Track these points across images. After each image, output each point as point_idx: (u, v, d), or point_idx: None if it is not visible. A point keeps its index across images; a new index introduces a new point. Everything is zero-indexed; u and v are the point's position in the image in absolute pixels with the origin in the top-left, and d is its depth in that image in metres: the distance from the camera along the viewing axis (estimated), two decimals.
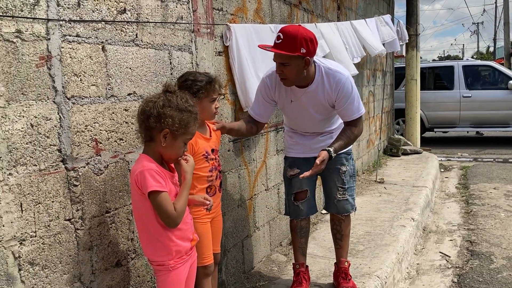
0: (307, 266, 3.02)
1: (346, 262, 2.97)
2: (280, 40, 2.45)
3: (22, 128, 1.65)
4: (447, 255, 3.91)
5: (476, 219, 4.83)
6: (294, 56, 2.45)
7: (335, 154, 2.53)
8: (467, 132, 11.38)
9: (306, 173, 2.45)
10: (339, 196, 2.89)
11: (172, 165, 1.96)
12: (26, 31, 1.66)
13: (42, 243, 1.72)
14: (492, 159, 8.68)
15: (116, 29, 2.04)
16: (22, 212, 1.65)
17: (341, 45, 4.57)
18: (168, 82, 1.96)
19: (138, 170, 1.77)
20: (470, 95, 10.23)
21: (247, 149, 3.21)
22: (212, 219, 2.36)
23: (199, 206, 2.13)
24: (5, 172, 1.60)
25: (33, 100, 1.68)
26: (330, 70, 2.62)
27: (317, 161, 2.43)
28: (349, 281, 2.90)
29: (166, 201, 1.76)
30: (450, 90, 10.47)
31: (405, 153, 8.18)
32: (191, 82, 2.22)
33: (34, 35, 1.68)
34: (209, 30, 2.72)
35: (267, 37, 3.24)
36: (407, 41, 8.02)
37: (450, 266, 3.69)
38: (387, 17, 6.66)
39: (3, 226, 1.59)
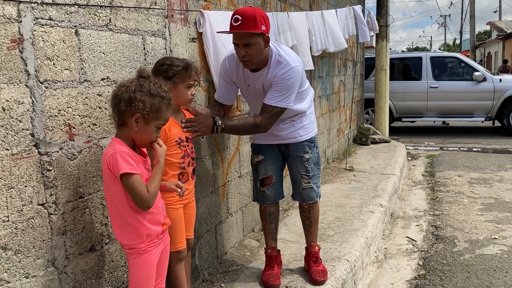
0: (278, 251, 3.08)
1: (316, 247, 3.05)
2: (239, 22, 2.48)
3: None
4: (414, 240, 4.04)
5: (441, 205, 5.00)
6: (257, 34, 2.49)
7: (219, 128, 2.51)
8: (434, 122, 11.70)
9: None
10: (304, 184, 2.93)
11: (145, 150, 1.97)
12: None
13: (15, 228, 1.70)
14: (457, 148, 8.96)
15: (90, 13, 2.02)
16: None
17: (306, 38, 4.61)
18: (142, 67, 1.97)
19: (110, 153, 1.78)
20: (437, 86, 10.50)
21: (220, 136, 3.23)
22: (185, 205, 2.38)
23: (171, 192, 2.15)
24: None
25: (4, 83, 1.66)
26: (279, 56, 2.64)
27: (195, 120, 2.42)
28: (320, 265, 2.98)
29: (138, 183, 1.78)
30: (418, 81, 10.72)
31: (374, 142, 8.36)
32: (167, 67, 2.23)
33: (5, 17, 1.65)
34: (182, 16, 2.72)
35: None
36: (378, 32, 8.14)
37: (416, 250, 3.83)
38: (358, 7, 6.74)
39: None
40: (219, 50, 3.00)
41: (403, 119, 11.06)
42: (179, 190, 2.05)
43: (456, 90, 10.40)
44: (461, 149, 8.86)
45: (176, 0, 2.65)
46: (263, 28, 2.51)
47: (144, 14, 2.38)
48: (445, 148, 9.00)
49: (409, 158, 7.96)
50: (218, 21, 2.99)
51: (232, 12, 3.24)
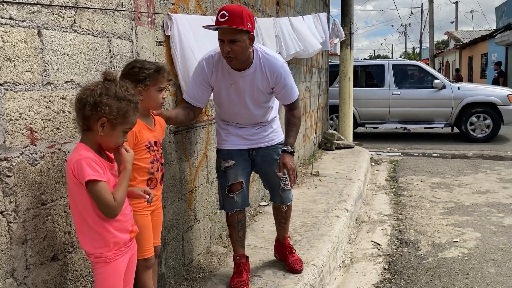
0: (247, 257, 3.06)
1: (289, 238, 3.22)
2: (226, 18, 2.49)
3: None
4: (379, 244, 4.10)
5: (404, 210, 5.10)
6: (243, 31, 2.52)
7: (293, 148, 2.83)
8: (396, 128, 11.96)
9: (293, 181, 2.82)
10: (284, 187, 2.99)
11: (111, 155, 1.91)
12: None
13: None
14: (418, 154, 9.19)
15: (53, 14, 1.95)
16: None
17: (274, 44, 4.63)
18: (107, 70, 1.91)
19: (74, 159, 1.72)
20: (399, 92, 10.75)
21: (188, 141, 3.18)
22: (153, 211, 2.32)
23: (138, 199, 2.09)
24: None
25: None
26: (267, 55, 2.73)
27: (287, 169, 2.77)
28: (294, 255, 3.15)
29: (104, 191, 1.72)
30: (380, 88, 10.94)
31: (339, 147, 8.47)
32: (139, 70, 2.19)
33: None
34: (150, 19, 2.67)
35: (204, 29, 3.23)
36: (343, 39, 8.27)
37: (381, 254, 3.88)
38: (323, 15, 6.83)
39: None
40: (187, 54, 2.97)
41: (366, 125, 11.26)
42: (147, 196, 1.99)
43: (417, 97, 10.68)
44: (422, 154, 9.09)
45: (143, 2, 2.60)
46: (249, 26, 2.54)
47: (110, 16, 2.32)
48: (406, 154, 9.21)
49: (373, 164, 8.10)
50: (185, 25, 2.95)
51: (199, 16, 3.25)
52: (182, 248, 3.14)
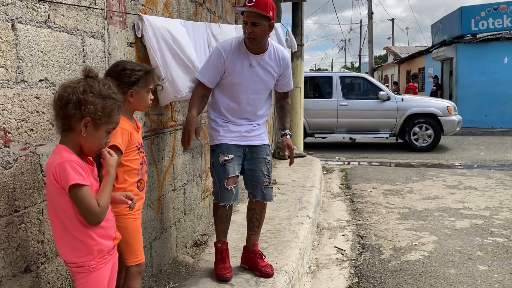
0: (227, 243, 3.20)
1: (258, 245, 3.24)
2: (253, 3, 2.80)
3: None
4: (342, 249, 4.15)
5: (362, 216, 5.22)
6: (265, 17, 2.83)
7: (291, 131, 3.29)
8: (343, 138, 12.27)
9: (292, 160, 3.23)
10: (266, 184, 3.13)
11: (91, 158, 1.80)
12: None
13: None
14: (366, 162, 9.46)
15: (27, 7, 1.83)
16: None
17: None
18: (89, 67, 1.81)
19: (56, 161, 1.60)
20: (347, 104, 11.06)
21: (156, 146, 3.08)
22: None
23: (120, 204, 1.98)
24: None
25: None
26: (278, 46, 3.13)
27: (290, 149, 3.18)
28: (264, 260, 3.18)
29: (89, 196, 1.62)
30: (328, 99, 11.21)
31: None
32: (130, 72, 2.13)
33: None
34: (121, 19, 2.57)
35: (176, 32, 3.17)
36: (295, 50, 8.41)
37: (346, 259, 3.93)
38: (279, 25, 6.92)
39: None
40: (165, 55, 2.89)
41: (315, 135, 11.47)
42: (130, 202, 1.90)
43: (364, 108, 11.03)
44: (370, 163, 9.37)
45: (115, 2, 2.50)
46: (271, 14, 2.85)
47: (84, 14, 2.21)
48: (355, 162, 9.46)
49: (324, 172, 8.25)
50: (155, 27, 2.87)
51: (171, 19, 3.20)
52: (151, 258, 3.02)
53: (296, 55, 9.24)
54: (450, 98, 16.04)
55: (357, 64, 59.09)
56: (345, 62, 75.28)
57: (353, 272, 3.63)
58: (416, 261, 3.76)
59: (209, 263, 3.36)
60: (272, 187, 3.22)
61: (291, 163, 3.25)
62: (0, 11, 1.68)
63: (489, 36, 16.09)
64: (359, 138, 12.42)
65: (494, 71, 15.72)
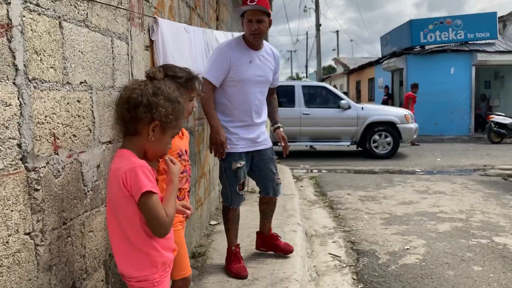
0: (239, 245, 3.42)
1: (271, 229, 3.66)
2: (255, 1, 3.04)
3: None
4: (338, 256, 4.16)
5: (347, 222, 5.27)
6: (266, 14, 3.11)
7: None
8: (306, 146, 12.42)
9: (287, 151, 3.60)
10: (277, 180, 3.54)
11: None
12: None
13: (0, 266, 1.32)
14: (332, 170, 9.60)
15: (71, 4, 1.71)
16: None
17: None
18: (152, 69, 1.73)
19: (127, 166, 1.50)
20: (309, 112, 11.21)
21: None
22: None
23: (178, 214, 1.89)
24: None
25: None
26: (268, 43, 3.38)
27: (285, 140, 3.56)
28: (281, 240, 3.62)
29: (158, 205, 1.53)
30: (291, 108, 11.31)
31: None
32: (171, 78, 2.00)
33: None
34: (140, 21, 2.47)
35: (182, 36, 3.10)
36: None
37: (344, 265, 3.94)
38: None
39: None
40: (169, 61, 2.79)
41: (279, 144, 11.50)
42: (188, 211, 1.81)
43: (325, 117, 11.22)
44: (335, 170, 9.52)
45: (136, 3, 2.40)
46: (271, 11, 3.15)
47: (113, 14, 2.10)
48: (320, 170, 9.57)
49: (295, 180, 8.28)
50: (167, 30, 2.79)
51: (175, 22, 3.12)
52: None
53: None
54: (400, 107, 16.67)
55: (303, 75, 60.44)
56: (291, 73, 76.66)
57: (355, 278, 3.65)
58: (413, 265, 3.83)
59: (215, 275, 3.27)
60: (281, 183, 3.61)
61: (285, 154, 3.61)
62: (50, 7, 1.56)
63: (437, 48, 16.91)
64: (322, 146, 12.62)
65: (442, 81, 16.50)
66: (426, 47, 17.17)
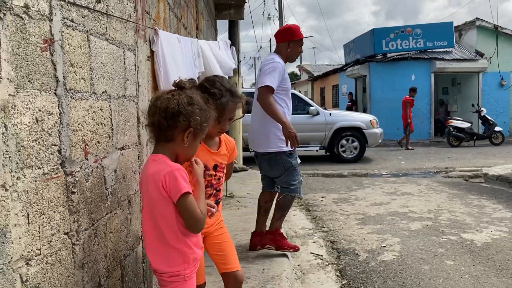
0: None
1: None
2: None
3: (29, 122, 1.36)
4: (319, 254, 4.36)
5: (324, 223, 5.49)
6: None
7: None
8: None
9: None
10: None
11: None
12: (32, 7, 1.39)
13: (45, 263, 1.42)
14: (303, 174, 9.80)
15: (95, 19, 1.83)
16: (29, 226, 1.35)
17: (208, 64, 4.72)
18: (180, 79, 1.85)
19: (166, 170, 1.64)
20: None
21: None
22: (217, 234, 2.30)
23: None
24: (14, 176, 1.30)
25: (38, 90, 1.41)
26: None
27: None
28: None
29: (194, 204, 1.68)
30: None
31: (235, 171, 8.68)
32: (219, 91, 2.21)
33: (39, 13, 1.42)
34: (144, 32, 2.59)
35: (176, 47, 3.23)
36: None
37: (327, 263, 4.14)
38: (229, 42, 7.08)
39: (12, 243, 1.29)
40: (168, 71, 2.92)
41: (251, 149, 11.69)
42: (213, 210, 1.95)
43: (295, 123, 11.18)
44: (305, 175, 9.77)
45: (140, 15, 2.52)
46: None
47: (124, 27, 2.22)
48: None
49: None
50: (165, 41, 2.91)
51: (171, 33, 3.25)
52: None
53: (234, 72, 9.45)
54: (364, 113, 17.21)
55: None
56: (255, 79, 77.12)
57: (339, 274, 3.85)
58: (391, 261, 4.07)
59: (208, 275, 3.39)
60: None
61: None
62: (81, 22, 1.68)
63: (398, 56, 17.57)
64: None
65: (403, 88, 17.07)
66: (388, 55, 17.81)
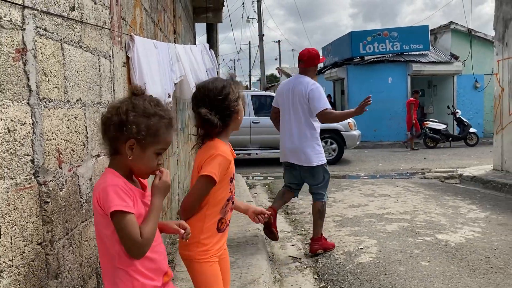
0: None
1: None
2: None
3: (1, 133, 1.35)
4: (298, 258, 4.40)
5: (303, 226, 5.53)
6: None
7: None
8: (257, 154, 12.68)
9: None
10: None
11: (145, 182, 1.68)
12: (4, 17, 1.38)
13: (18, 274, 1.42)
14: (281, 177, 9.87)
15: (69, 27, 1.82)
16: (0, 237, 1.34)
17: (188, 69, 4.73)
18: (135, 84, 1.79)
19: (101, 185, 1.50)
20: (259, 121, 11.49)
21: None
22: (220, 259, 2.05)
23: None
24: None
25: (10, 100, 1.40)
26: None
27: None
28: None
29: (130, 224, 1.46)
30: None
31: None
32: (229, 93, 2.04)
33: (11, 22, 1.42)
34: (119, 39, 2.59)
35: (152, 52, 3.22)
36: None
37: (305, 266, 4.17)
38: (207, 45, 7.08)
39: None
40: (144, 76, 2.91)
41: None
42: (182, 231, 1.69)
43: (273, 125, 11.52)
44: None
45: (116, 22, 2.52)
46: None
47: (99, 34, 2.21)
48: (272, 177, 9.85)
49: (248, 187, 8.48)
50: (141, 46, 2.91)
51: (148, 39, 3.24)
52: None
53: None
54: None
55: (246, 83, 61.15)
56: None
57: (317, 277, 3.89)
58: (368, 263, 4.13)
59: (186, 281, 3.39)
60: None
61: None
62: (54, 31, 1.67)
63: (375, 59, 17.81)
64: (273, 154, 12.91)
65: (381, 90, 17.37)
66: (365, 58, 18.03)
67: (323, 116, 4.25)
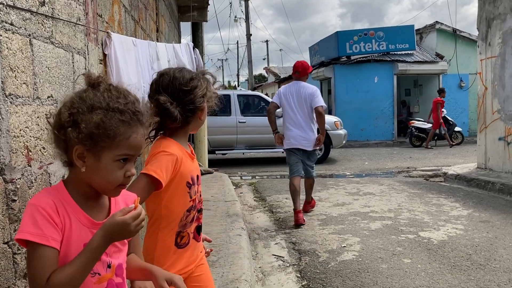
0: None
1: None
2: None
3: None
4: (281, 256, 4.39)
5: (287, 224, 5.53)
6: None
7: None
8: (243, 153, 12.66)
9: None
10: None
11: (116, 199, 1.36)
12: None
13: None
14: (268, 176, 9.90)
15: (38, 23, 1.79)
16: None
17: (174, 64, 4.70)
18: (88, 73, 1.41)
19: (28, 201, 1.20)
20: (245, 121, 11.49)
21: None
22: (197, 267, 1.84)
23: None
24: None
25: None
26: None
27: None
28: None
29: (38, 260, 1.14)
30: (228, 116, 11.53)
31: (200, 173, 8.64)
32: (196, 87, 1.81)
33: None
34: (95, 36, 2.55)
35: (130, 50, 3.19)
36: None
37: (288, 264, 4.17)
38: (191, 44, 7.04)
39: None
40: (121, 74, 2.89)
41: (216, 152, 11.69)
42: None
43: (261, 125, 11.48)
44: (271, 176, 9.83)
45: (91, 19, 2.48)
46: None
47: (73, 30, 2.18)
48: (258, 176, 9.84)
49: (234, 187, 8.46)
50: (118, 44, 2.88)
51: (126, 36, 3.21)
52: None
53: None
54: (330, 114, 17.44)
55: (234, 83, 61.09)
56: (223, 81, 77.34)
57: (299, 276, 3.89)
58: (351, 261, 4.14)
59: None
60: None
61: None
62: (22, 26, 1.64)
63: (361, 58, 17.89)
64: (260, 153, 12.91)
65: (367, 89, 17.48)
66: (352, 57, 18.10)
67: (318, 110, 5.47)
